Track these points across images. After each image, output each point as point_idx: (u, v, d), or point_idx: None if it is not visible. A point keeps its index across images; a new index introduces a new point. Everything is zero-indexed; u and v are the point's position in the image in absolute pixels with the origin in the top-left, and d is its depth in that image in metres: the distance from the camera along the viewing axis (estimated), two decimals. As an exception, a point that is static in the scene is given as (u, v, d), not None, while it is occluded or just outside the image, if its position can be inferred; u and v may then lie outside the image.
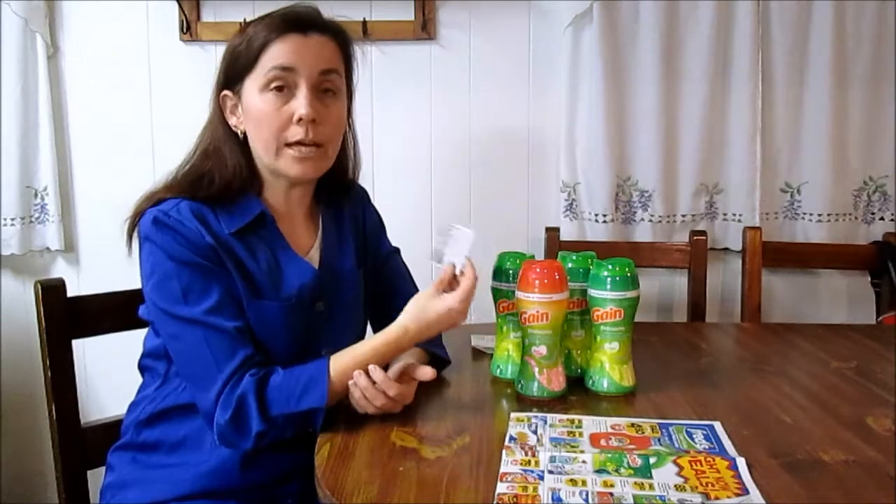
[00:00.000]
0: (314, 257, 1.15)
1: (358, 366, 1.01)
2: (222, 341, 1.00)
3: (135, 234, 1.07)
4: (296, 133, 1.06)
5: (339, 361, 1.02)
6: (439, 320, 1.05)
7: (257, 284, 1.06)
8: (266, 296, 1.07)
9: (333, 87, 1.09)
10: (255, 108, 1.06)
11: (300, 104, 1.05)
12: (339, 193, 1.22)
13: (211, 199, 1.07)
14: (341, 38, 1.11)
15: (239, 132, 1.10)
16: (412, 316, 1.05)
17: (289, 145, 1.07)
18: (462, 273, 1.06)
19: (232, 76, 1.09)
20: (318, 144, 1.07)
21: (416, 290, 1.31)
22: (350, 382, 1.02)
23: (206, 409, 1.00)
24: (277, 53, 1.05)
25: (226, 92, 1.10)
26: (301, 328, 1.10)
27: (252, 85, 1.06)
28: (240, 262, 1.06)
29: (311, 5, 1.09)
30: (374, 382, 1.00)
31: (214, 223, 1.06)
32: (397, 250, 1.34)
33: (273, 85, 1.05)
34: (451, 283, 1.06)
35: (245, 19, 1.61)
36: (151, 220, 1.03)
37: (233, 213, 1.08)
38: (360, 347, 1.04)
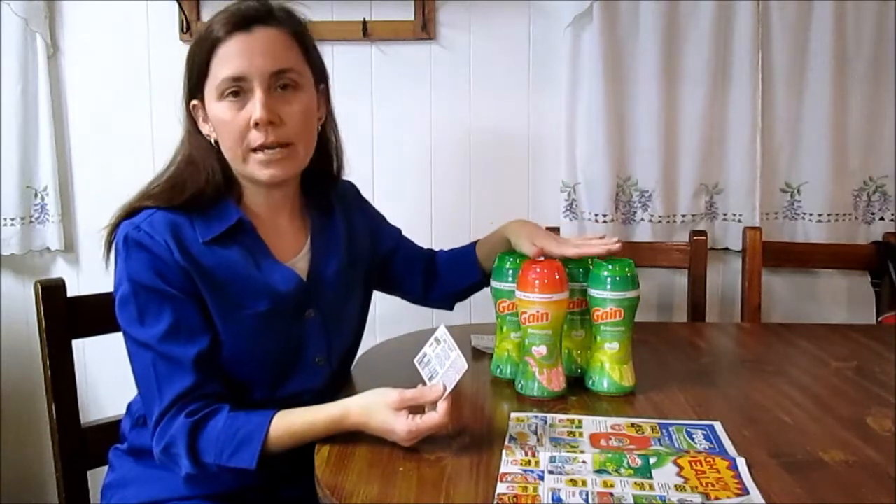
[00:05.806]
0: (302, 263, 1.12)
1: (293, 438, 0.96)
2: (167, 369, 0.99)
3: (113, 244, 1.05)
4: (256, 138, 1.02)
5: (277, 428, 0.96)
6: (378, 429, 0.93)
7: (233, 295, 1.04)
8: (243, 305, 1.04)
9: (292, 81, 1.04)
10: (214, 116, 1.04)
11: (255, 107, 1.01)
12: (326, 194, 1.19)
13: (186, 207, 1.04)
14: (292, 27, 1.05)
15: (212, 140, 1.07)
16: (361, 406, 0.95)
17: (253, 150, 1.03)
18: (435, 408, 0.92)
19: (193, 85, 1.06)
20: (285, 144, 1.04)
21: (431, 253, 1.35)
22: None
23: (150, 432, 1.01)
24: (225, 59, 1.01)
25: (194, 101, 1.07)
26: (289, 336, 1.09)
27: (210, 94, 1.04)
28: (211, 276, 1.03)
29: None
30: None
31: (189, 233, 1.03)
32: (399, 231, 1.35)
33: (227, 92, 1.02)
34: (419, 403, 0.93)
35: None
36: (123, 237, 1.02)
37: (210, 221, 1.05)
38: (298, 420, 0.97)
